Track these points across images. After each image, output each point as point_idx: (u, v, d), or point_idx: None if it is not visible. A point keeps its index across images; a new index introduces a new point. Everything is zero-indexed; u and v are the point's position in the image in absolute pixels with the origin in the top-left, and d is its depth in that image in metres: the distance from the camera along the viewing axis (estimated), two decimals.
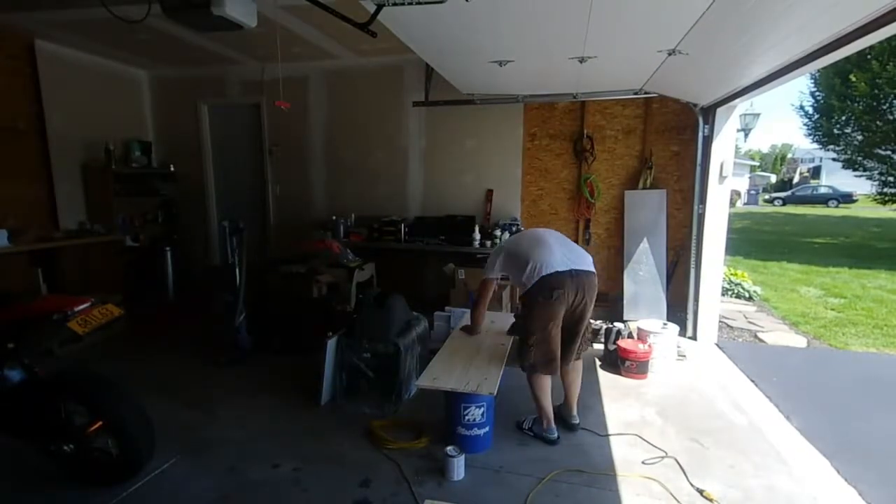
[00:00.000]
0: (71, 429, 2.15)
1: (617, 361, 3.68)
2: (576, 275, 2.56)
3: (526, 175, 5.03)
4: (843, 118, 13.02)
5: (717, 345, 4.36)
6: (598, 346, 4.12)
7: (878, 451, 2.73)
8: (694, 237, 4.38)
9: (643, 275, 4.69)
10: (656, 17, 2.45)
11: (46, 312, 2.14)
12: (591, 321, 2.90)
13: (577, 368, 2.84)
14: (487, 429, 2.60)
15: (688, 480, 2.35)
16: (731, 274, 6.43)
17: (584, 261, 2.67)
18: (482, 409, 2.54)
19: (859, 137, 13.02)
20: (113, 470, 2.24)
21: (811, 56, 2.57)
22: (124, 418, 2.16)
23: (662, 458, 2.54)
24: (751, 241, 11.93)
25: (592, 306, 2.68)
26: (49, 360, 2.55)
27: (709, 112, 4.17)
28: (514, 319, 3.26)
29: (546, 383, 2.68)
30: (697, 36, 2.60)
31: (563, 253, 2.64)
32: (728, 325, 5.00)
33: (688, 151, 4.52)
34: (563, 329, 2.63)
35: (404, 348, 3.09)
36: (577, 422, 2.85)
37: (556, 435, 2.69)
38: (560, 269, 2.55)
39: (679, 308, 4.57)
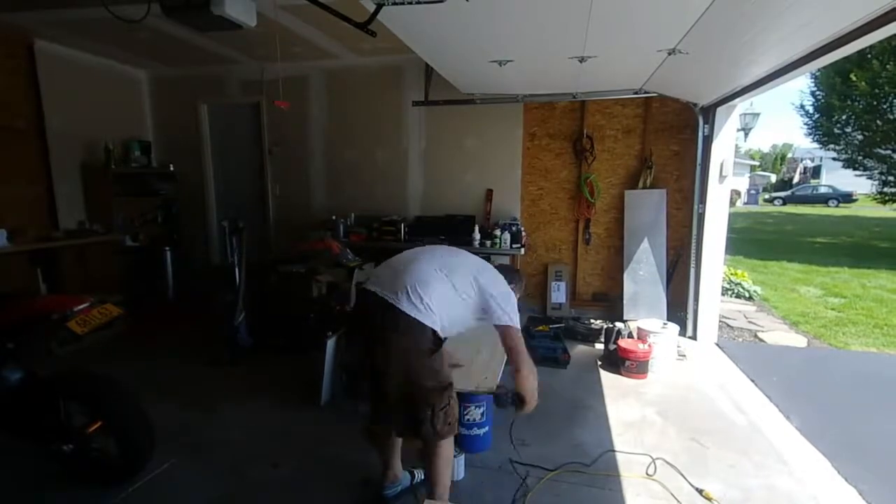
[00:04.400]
0: (71, 429, 2.15)
1: (617, 361, 3.68)
2: (384, 307, 1.81)
3: (526, 175, 5.02)
4: (844, 117, 13.01)
5: (717, 344, 4.36)
6: (599, 346, 4.12)
7: (879, 450, 2.74)
8: (694, 237, 4.38)
9: (643, 274, 4.68)
10: (656, 16, 2.44)
11: (46, 312, 2.14)
12: (439, 405, 1.85)
13: (432, 451, 1.92)
14: (487, 429, 2.60)
15: (687, 480, 2.35)
16: (731, 273, 6.43)
17: (405, 284, 1.83)
18: (482, 409, 2.54)
19: (859, 137, 13.00)
20: (113, 470, 2.24)
21: (811, 55, 2.57)
22: (124, 418, 2.16)
23: (662, 458, 2.53)
24: (751, 240, 11.92)
25: (417, 369, 1.82)
26: (49, 360, 2.55)
27: (709, 111, 4.17)
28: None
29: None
30: (697, 36, 2.59)
31: (398, 274, 1.89)
32: (728, 325, 5.00)
33: (688, 151, 4.51)
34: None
35: None
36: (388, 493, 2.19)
37: (386, 492, 2.18)
38: (373, 290, 1.89)
39: (679, 308, 4.56)
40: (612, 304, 4.79)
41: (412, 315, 1.79)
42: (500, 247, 4.58)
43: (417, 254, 2.04)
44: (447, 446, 1.95)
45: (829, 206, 25.37)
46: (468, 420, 2.53)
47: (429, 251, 2.06)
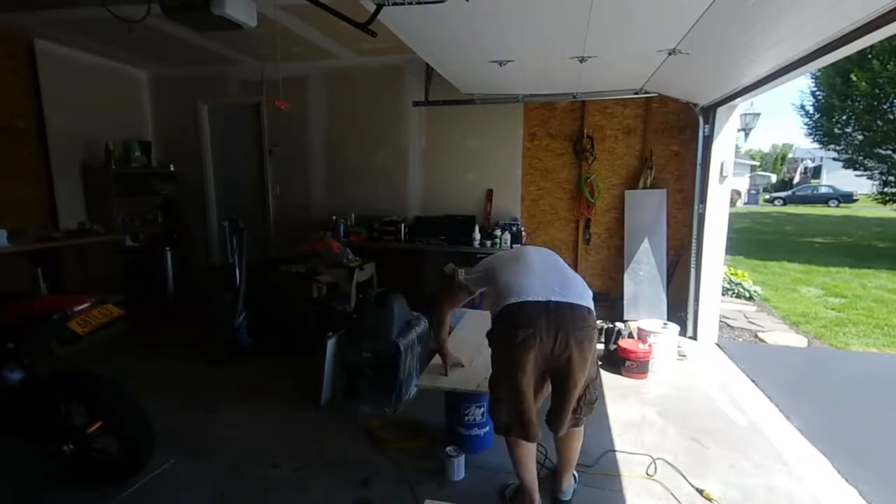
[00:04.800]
0: (71, 429, 2.15)
1: (617, 361, 3.68)
2: (555, 308, 1.86)
3: (526, 175, 5.02)
4: (844, 117, 13.01)
5: (717, 344, 4.35)
6: (599, 346, 4.11)
7: (879, 450, 2.73)
8: (694, 237, 4.38)
9: (643, 274, 4.68)
10: (656, 16, 2.44)
11: (46, 312, 2.14)
12: (595, 382, 2.06)
13: (572, 437, 2.10)
14: (487, 429, 2.59)
15: (687, 481, 2.35)
16: (732, 274, 6.43)
17: (574, 292, 1.94)
18: (482, 409, 2.53)
19: (860, 137, 13.00)
20: (113, 470, 2.24)
21: (812, 55, 2.57)
22: (124, 418, 2.16)
23: (663, 458, 2.53)
24: (751, 240, 11.92)
25: (590, 357, 1.90)
26: (49, 360, 2.55)
27: (709, 112, 4.16)
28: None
29: (523, 452, 1.99)
30: (698, 36, 2.59)
31: (542, 279, 1.96)
32: (728, 325, 5.00)
33: (688, 151, 4.51)
34: (549, 380, 1.97)
35: (404, 348, 3.08)
36: (567, 499, 2.17)
37: None
38: (532, 299, 1.88)
39: (679, 308, 4.56)
40: (612, 304, 4.79)
41: (587, 304, 1.93)
42: (500, 247, 4.58)
43: (531, 255, 2.14)
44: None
45: (829, 207, 25.36)
46: (468, 420, 2.53)
47: (532, 254, 2.16)
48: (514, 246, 4.60)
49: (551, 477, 2.28)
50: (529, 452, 2.02)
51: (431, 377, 2.53)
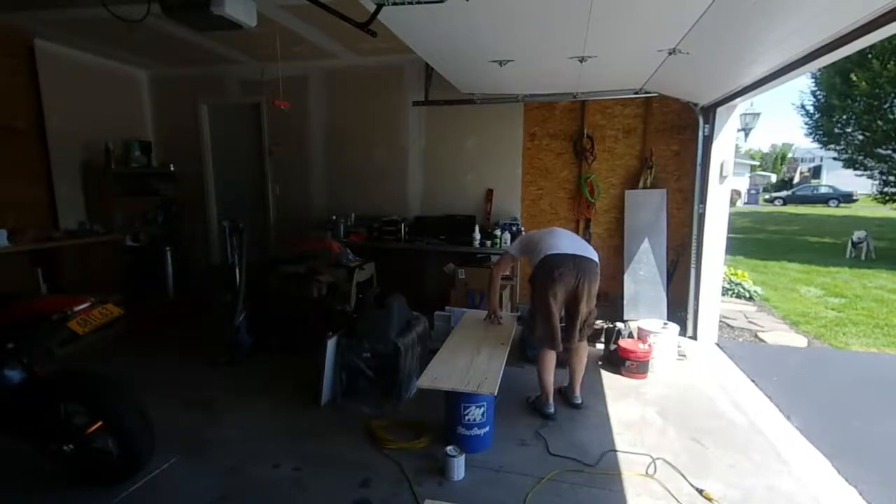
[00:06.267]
0: (71, 429, 2.14)
1: (617, 361, 3.68)
2: (576, 259, 2.84)
3: (526, 175, 5.02)
4: (844, 117, 13.01)
5: (717, 344, 4.35)
6: (599, 346, 4.12)
7: (879, 451, 2.73)
8: (694, 237, 4.38)
9: (643, 274, 4.68)
10: (656, 16, 2.44)
11: (46, 312, 2.13)
12: (594, 312, 3.02)
13: (580, 351, 3.05)
14: (487, 429, 2.60)
15: (687, 480, 2.35)
16: (732, 274, 6.43)
17: (589, 251, 2.96)
18: (482, 409, 2.54)
19: (860, 137, 13.00)
20: (113, 470, 2.24)
21: (812, 55, 2.57)
22: (124, 418, 2.16)
23: (663, 458, 2.53)
24: (751, 240, 11.93)
25: (594, 293, 2.91)
26: (49, 360, 2.55)
27: (709, 111, 4.16)
28: (519, 314, 3.76)
29: (549, 360, 2.94)
30: (697, 35, 2.59)
31: (569, 242, 2.96)
32: (728, 325, 5.00)
33: (688, 151, 4.51)
34: (564, 309, 2.92)
35: (404, 348, 3.09)
36: (580, 402, 3.08)
37: (551, 410, 2.93)
38: (563, 252, 2.85)
39: (679, 308, 4.56)
40: (612, 304, 4.79)
41: (596, 260, 2.97)
42: (500, 247, 4.58)
43: (559, 231, 3.14)
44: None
45: (829, 206, 25.36)
46: (468, 420, 2.53)
47: (560, 231, 3.16)
48: (520, 230, 4.76)
49: (564, 391, 3.17)
50: (552, 360, 2.96)
51: (430, 378, 2.54)
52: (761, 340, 4.68)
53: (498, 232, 4.65)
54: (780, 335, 4.83)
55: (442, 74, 4.01)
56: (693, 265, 4.39)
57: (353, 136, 5.39)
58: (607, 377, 3.62)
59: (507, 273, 3.83)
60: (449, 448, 2.36)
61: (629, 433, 2.81)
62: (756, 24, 2.32)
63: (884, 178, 13.76)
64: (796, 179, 38.21)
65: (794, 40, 2.49)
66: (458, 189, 5.19)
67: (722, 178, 4.18)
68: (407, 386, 3.12)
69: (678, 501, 2.21)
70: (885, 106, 11.69)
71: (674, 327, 3.81)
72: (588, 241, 4.89)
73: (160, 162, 5.74)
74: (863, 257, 9.63)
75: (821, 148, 16.29)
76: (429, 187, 5.30)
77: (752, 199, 27.85)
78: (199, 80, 5.64)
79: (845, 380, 3.86)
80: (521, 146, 4.98)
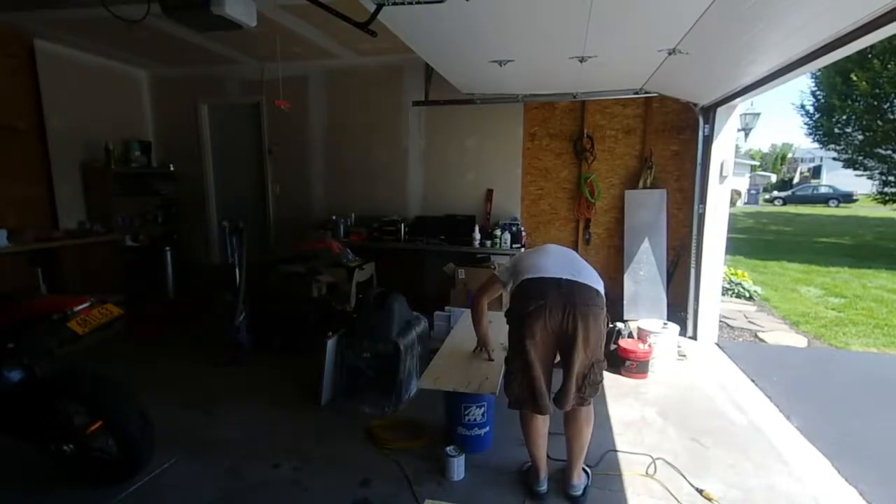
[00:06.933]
0: (71, 429, 2.15)
1: (617, 361, 3.68)
2: (566, 286, 2.02)
3: (526, 175, 5.02)
4: (844, 117, 12.99)
5: (717, 344, 4.35)
6: None
7: (879, 451, 2.73)
8: (694, 237, 4.38)
9: (643, 274, 4.68)
10: (656, 16, 2.44)
11: (46, 312, 2.14)
12: (600, 363, 2.11)
13: (579, 420, 2.16)
14: (488, 429, 2.60)
15: (687, 480, 2.35)
16: (732, 274, 6.43)
17: (586, 275, 2.11)
18: (482, 409, 2.54)
19: (860, 137, 13.00)
20: (113, 470, 2.24)
21: (811, 55, 2.57)
22: (124, 418, 2.16)
23: (663, 458, 2.53)
24: (751, 240, 11.92)
25: (596, 335, 2.03)
26: (49, 360, 2.55)
27: (709, 111, 4.16)
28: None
29: (533, 426, 2.16)
30: (697, 36, 2.59)
31: (559, 262, 2.16)
32: (728, 325, 5.00)
33: (688, 151, 4.51)
34: (552, 357, 2.10)
35: (404, 348, 3.08)
36: (579, 493, 2.18)
37: (542, 489, 2.20)
38: (546, 276, 2.06)
39: (679, 308, 4.56)
40: (612, 304, 4.77)
41: (596, 287, 2.08)
42: (500, 247, 4.58)
43: (550, 247, 2.35)
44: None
45: (829, 206, 25.35)
46: (468, 420, 2.53)
47: (551, 247, 2.37)
48: (520, 230, 4.68)
49: (563, 472, 2.29)
50: (539, 426, 2.17)
51: (430, 378, 2.54)
52: (761, 340, 4.67)
53: (498, 232, 4.65)
54: (780, 335, 4.83)
55: (442, 74, 4.01)
56: (693, 265, 4.39)
57: (353, 136, 5.39)
58: (607, 377, 3.60)
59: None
60: (449, 448, 2.36)
61: (629, 433, 2.81)
62: (756, 24, 2.32)
63: (884, 178, 13.75)
64: (796, 179, 38.21)
65: (794, 40, 2.49)
66: (457, 189, 5.19)
67: (722, 178, 4.18)
68: (407, 386, 3.12)
69: (678, 501, 2.21)
70: (885, 106, 11.67)
71: (674, 327, 3.81)
72: (588, 241, 4.96)
73: (160, 162, 5.75)
74: None
75: (821, 148, 16.28)
76: (429, 187, 5.30)
77: (752, 199, 27.83)
78: (199, 80, 5.64)
79: (845, 380, 3.86)
80: (521, 146, 4.98)
